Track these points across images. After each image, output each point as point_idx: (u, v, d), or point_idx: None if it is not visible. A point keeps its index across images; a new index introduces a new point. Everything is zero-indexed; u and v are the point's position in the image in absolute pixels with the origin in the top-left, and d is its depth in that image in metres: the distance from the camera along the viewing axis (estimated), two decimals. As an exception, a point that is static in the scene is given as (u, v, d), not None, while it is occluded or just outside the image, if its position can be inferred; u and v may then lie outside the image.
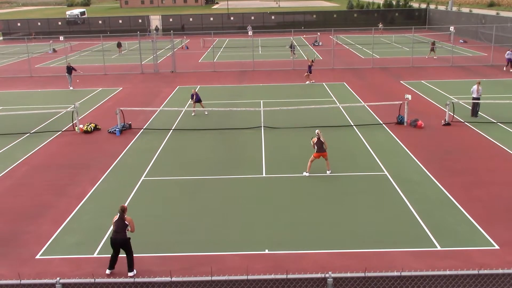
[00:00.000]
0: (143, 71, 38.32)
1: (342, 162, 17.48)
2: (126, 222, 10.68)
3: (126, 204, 11.61)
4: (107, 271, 10.85)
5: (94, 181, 16.39)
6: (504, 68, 32.82)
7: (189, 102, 27.46)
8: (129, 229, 10.75)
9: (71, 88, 32.32)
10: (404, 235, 12.33)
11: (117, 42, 51.36)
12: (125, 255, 10.84)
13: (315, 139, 16.04)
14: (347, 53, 46.31)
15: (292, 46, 43.13)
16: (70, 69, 32.20)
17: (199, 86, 32.21)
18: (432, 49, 41.86)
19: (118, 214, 10.74)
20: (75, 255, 11.77)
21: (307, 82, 32.06)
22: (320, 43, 53.23)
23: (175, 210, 14.12)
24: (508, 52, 33.51)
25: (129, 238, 10.76)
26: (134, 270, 10.88)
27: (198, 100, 24.55)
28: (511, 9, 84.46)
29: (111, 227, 10.82)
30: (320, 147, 15.99)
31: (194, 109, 24.81)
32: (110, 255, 10.95)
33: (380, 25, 62.51)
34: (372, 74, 35.25)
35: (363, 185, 15.48)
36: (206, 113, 24.66)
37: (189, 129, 22.02)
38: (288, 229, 12.80)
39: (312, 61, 32.90)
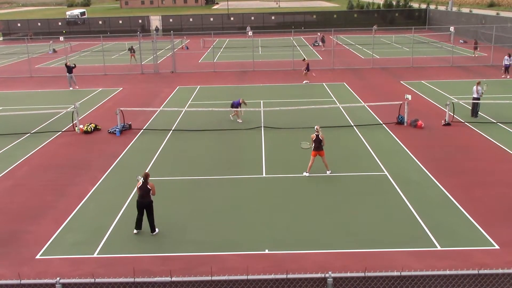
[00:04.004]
0: (143, 71, 38.32)
1: (342, 162, 17.48)
2: (149, 187, 12.39)
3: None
4: (135, 231, 12.63)
5: (94, 181, 16.39)
6: (502, 76, 32.71)
7: (189, 102, 27.48)
8: (152, 193, 12.45)
9: (71, 88, 32.30)
10: (404, 235, 12.33)
11: (130, 47, 44.72)
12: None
13: (313, 136, 15.89)
14: (347, 53, 46.32)
15: (322, 40, 50.92)
16: (70, 69, 32.13)
17: (198, 86, 32.24)
18: (476, 48, 42.31)
19: (142, 181, 12.39)
20: (75, 255, 11.77)
21: (304, 82, 32.21)
22: (320, 43, 53.20)
23: (175, 210, 14.12)
24: (505, 57, 33.19)
25: (152, 201, 12.52)
26: (156, 229, 12.66)
27: (237, 105, 22.75)
28: (511, 9, 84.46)
29: (135, 191, 12.88)
30: (318, 145, 15.84)
31: (236, 111, 22.88)
32: (135, 218, 12.67)
33: (375, 27, 62.52)
34: (372, 74, 35.25)
35: (363, 185, 15.48)
36: (238, 120, 23.02)
37: (189, 130, 22.01)
38: (288, 229, 12.80)
39: (304, 60, 33.28)
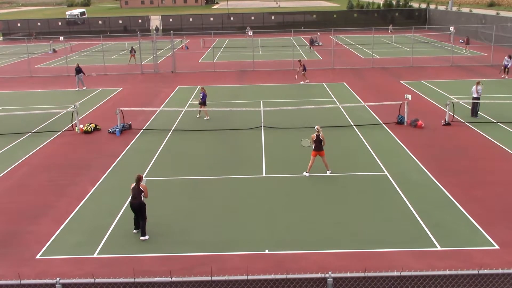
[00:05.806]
0: (143, 71, 38.32)
1: (342, 162, 17.48)
2: (141, 188, 12.31)
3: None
4: (134, 231, 12.69)
5: (94, 181, 16.39)
6: (502, 76, 32.68)
7: (189, 102, 27.48)
8: (144, 195, 12.33)
9: (77, 89, 32.22)
10: (404, 235, 12.34)
11: (130, 47, 43.98)
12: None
13: (314, 136, 15.86)
14: (347, 53, 46.32)
15: (315, 41, 50.94)
16: (78, 70, 32.02)
17: (198, 86, 32.18)
18: (467, 45, 44.48)
19: (135, 183, 12.36)
20: (75, 255, 11.78)
21: (302, 82, 32.23)
22: (320, 43, 53.22)
23: (175, 210, 14.12)
24: (506, 58, 33.20)
25: (145, 204, 12.39)
26: (147, 235, 12.44)
27: (203, 101, 23.48)
28: (511, 9, 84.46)
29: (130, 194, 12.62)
30: (318, 145, 15.82)
31: (200, 109, 23.65)
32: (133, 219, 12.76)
33: (390, 27, 63.62)
34: (372, 74, 35.25)
35: (363, 185, 15.48)
36: (205, 118, 23.52)
37: (189, 130, 22.02)
38: (288, 229, 12.80)
39: (299, 61, 33.33)
